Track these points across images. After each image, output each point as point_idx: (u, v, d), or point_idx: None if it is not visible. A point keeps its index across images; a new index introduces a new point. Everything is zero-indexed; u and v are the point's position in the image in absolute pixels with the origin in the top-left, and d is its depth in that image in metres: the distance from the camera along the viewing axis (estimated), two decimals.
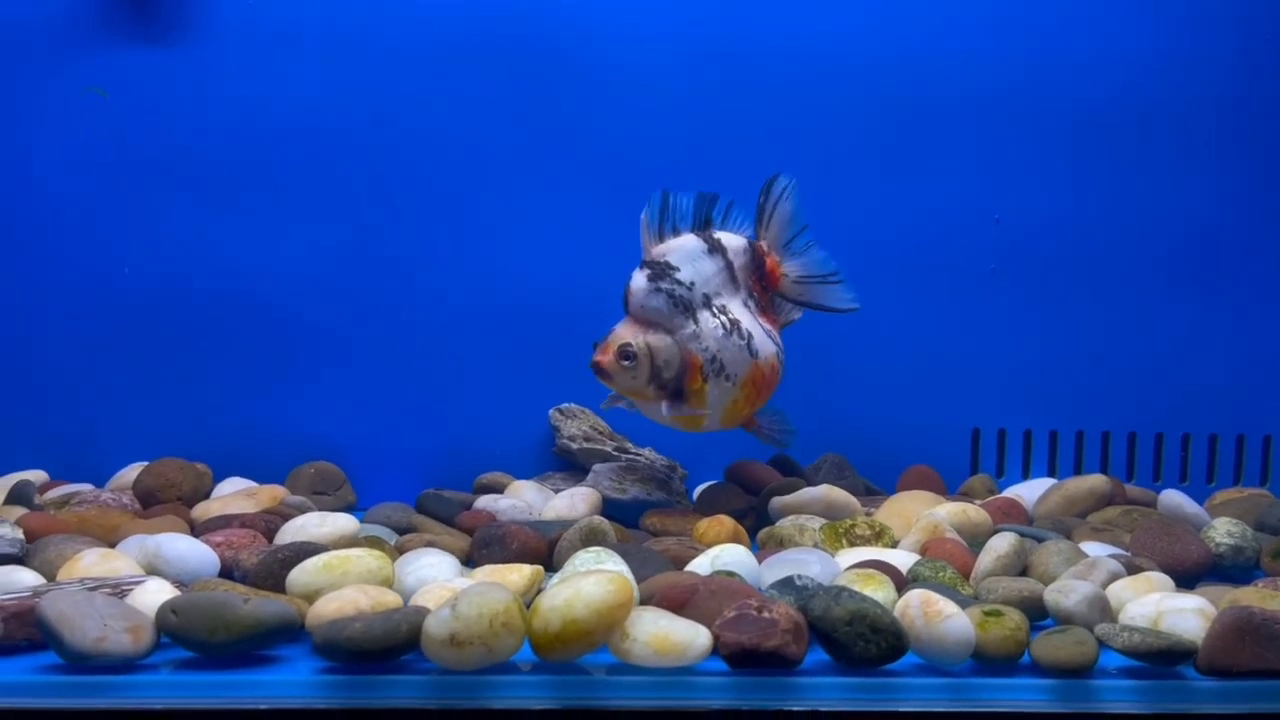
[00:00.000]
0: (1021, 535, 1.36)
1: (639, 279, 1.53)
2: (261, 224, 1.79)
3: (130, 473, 1.69)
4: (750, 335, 1.56)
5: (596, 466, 1.69)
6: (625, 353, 1.52)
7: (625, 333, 1.54)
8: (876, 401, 1.81)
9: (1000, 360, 1.82)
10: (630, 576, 1.19)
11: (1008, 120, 1.81)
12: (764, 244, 1.61)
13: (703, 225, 1.56)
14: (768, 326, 1.60)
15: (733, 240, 1.58)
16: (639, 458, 1.74)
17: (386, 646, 1.08)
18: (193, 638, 1.10)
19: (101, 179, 1.77)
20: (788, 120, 1.80)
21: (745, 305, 1.58)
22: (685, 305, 1.53)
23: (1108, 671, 1.12)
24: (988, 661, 1.12)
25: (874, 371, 1.82)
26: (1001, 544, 1.31)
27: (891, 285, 1.81)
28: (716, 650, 1.10)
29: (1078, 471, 1.80)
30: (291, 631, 1.14)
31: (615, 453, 1.74)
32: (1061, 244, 1.81)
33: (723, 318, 1.55)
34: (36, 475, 1.70)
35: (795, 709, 1.08)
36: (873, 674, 1.11)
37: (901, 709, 1.08)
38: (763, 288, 1.61)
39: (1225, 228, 1.83)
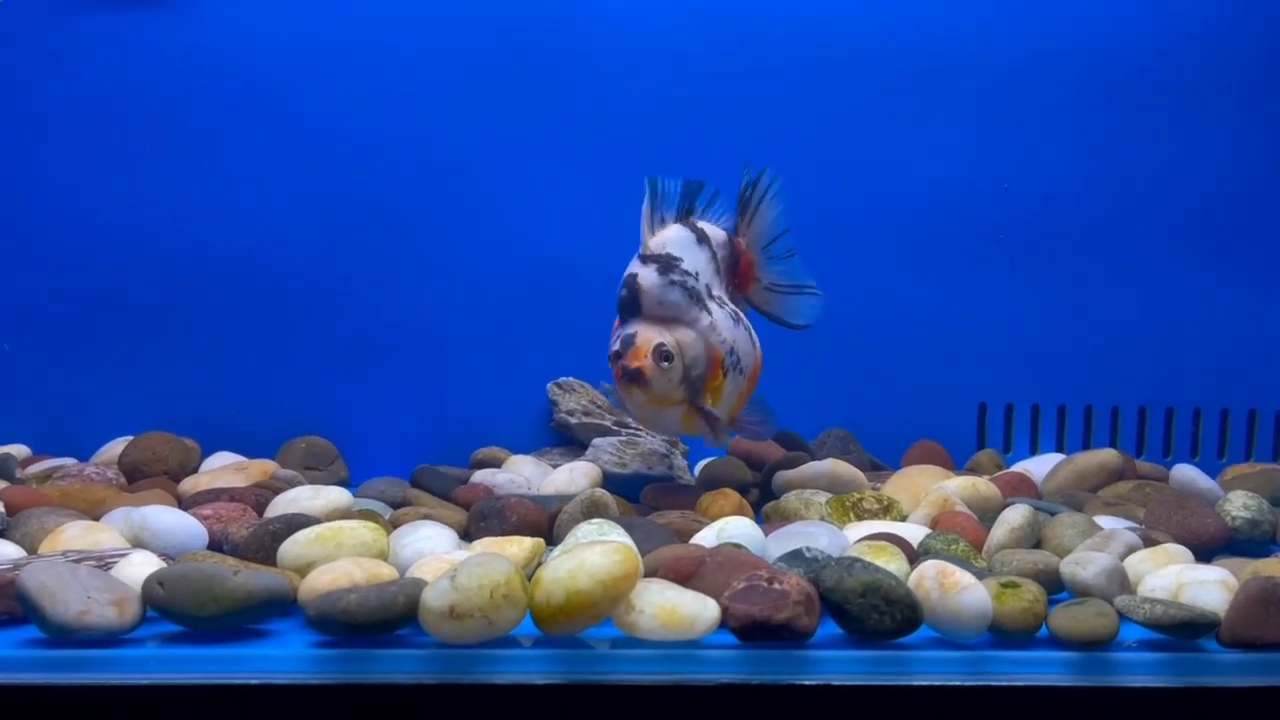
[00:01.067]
0: (1035, 508, 1.33)
1: (649, 274, 1.39)
2: (250, 192, 1.74)
3: (115, 447, 1.64)
4: (750, 325, 1.49)
5: (596, 441, 1.65)
6: (664, 353, 1.37)
7: (651, 332, 1.38)
8: (881, 375, 1.78)
9: (1007, 333, 1.78)
10: (635, 548, 1.15)
11: (1017, 85, 1.76)
12: (743, 241, 1.51)
13: (685, 214, 1.45)
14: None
15: (715, 232, 1.48)
16: (639, 433, 1.70)
17: (382, 619, 1.04)
18: (180, 611, 1.05)
19: (83, 146, 1.71)
20: (792, 89, 1.75)
21: (730, 297, 1.49)
22: (696, 296, 1.42)
23: (1127, 644, 1.09)
24: (1004, 634, 1.08)
25: (878, 344, 1.77)
26: (1015, 516, 1.28)
27: (897, 256, 1.77)
28: (725, 623, 1.07)
29: (1086, 447, 1.77)
30: (283, 605, 1.10)
31: (615, 427, 1.70)
32: (1071, 214, 1.77)
33: (728, 307, 1.46)
34: (18, 449, 1.65)
35: (807, 683, 1.04)
36: (886, 647, 1.07)
37: (917, 683, 1.04)
38: (736, 285, 1.52)
39: (1238, 198, 1.79)
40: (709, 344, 1.42)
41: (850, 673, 1.04)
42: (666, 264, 1.40)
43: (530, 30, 1.75)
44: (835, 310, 1.73)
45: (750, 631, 1.06)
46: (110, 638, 1.05)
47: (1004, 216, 1.77)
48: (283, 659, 1.03)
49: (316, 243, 1.74)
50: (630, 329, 1.39)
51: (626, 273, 1.41)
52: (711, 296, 1.44)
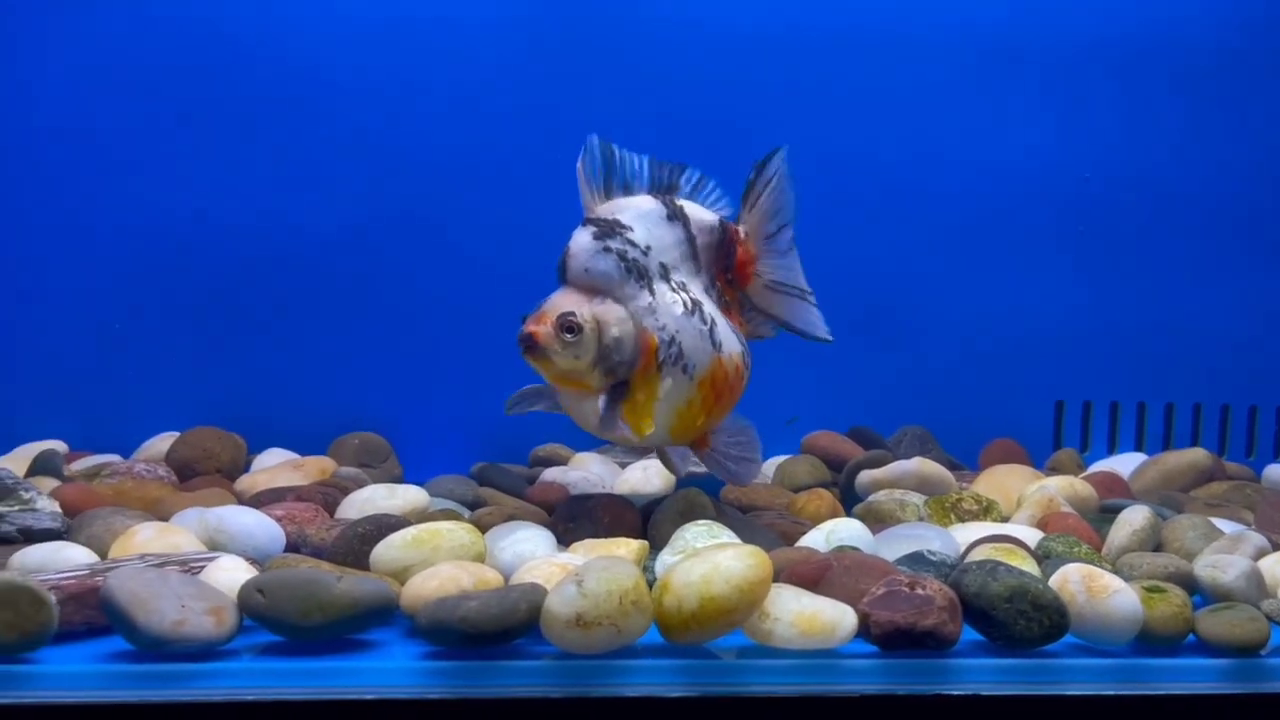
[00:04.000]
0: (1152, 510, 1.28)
1: (581, 237, 1.23)
2: (299, 177, 1.66)
3: (159, 443, 1.55)
4: (713, 321, 1.27)
5: None
6: (567, 324, 1.19)
7: (566, 300, 1.21)
8: (952, 371, 1.73)
9: (1084, 328, 1.73)
10: (765, 552, 1.08)
11: (1098, 70, 1.71)
12: (742, 229, 1.33)
13: (664, 190, 1.29)
14: (732, 324, 1.31)
15: (699, 213, 1.30)
16: None
17: (504, 628, 0.97)
18: (283, 620, 0.98)
19: (135, 129, 1.63)
20: (860, 73, 1.70)
21: (706, 292, 1.29)
22: (640, 272, 1.23)
23: (1275, 649, 1.05)
24: (1152, 641, 1.04)
25: (950, 339, 1.72)
26: (1136, 518, 1.24)
27: (971, 248, 1.72)
28: (862, 631, 1.01)
29: (1166, 446, 1.73)
30: (387, 613, 1.02)
31: None
32: (1153, 205, 1.73)
33: (683, 294, 1.26)
34: (58, 445, 1.55)
35: (954, 694, 0.99)
36: (1031, 655, 1.02)
37: (1068, 693, 0.99)
38: (728, 281, 1.33)
39: None
40: (641, 327, 1.22)
41: (999, 682, 0.99)
42: (607, 229, 1.23)
43: (572, 15, 1.69)
44: (903, 303, 1.70)
45: (893, 639, 1.00)
46: (206, 649, 0.96)
47: (1083, 207, 1.72)
48: (399, 671, 0.96)
49: (365, 234, 1.67)
50: (548, 297, 1.23)
51: None
52: (667, 279, 1.25)
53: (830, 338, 1.36)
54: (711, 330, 1.27)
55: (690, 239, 1.28)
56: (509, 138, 1.68)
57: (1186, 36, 1.72)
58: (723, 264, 1.32)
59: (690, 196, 1.31)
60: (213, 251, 1.66)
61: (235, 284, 1.67)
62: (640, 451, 1.57)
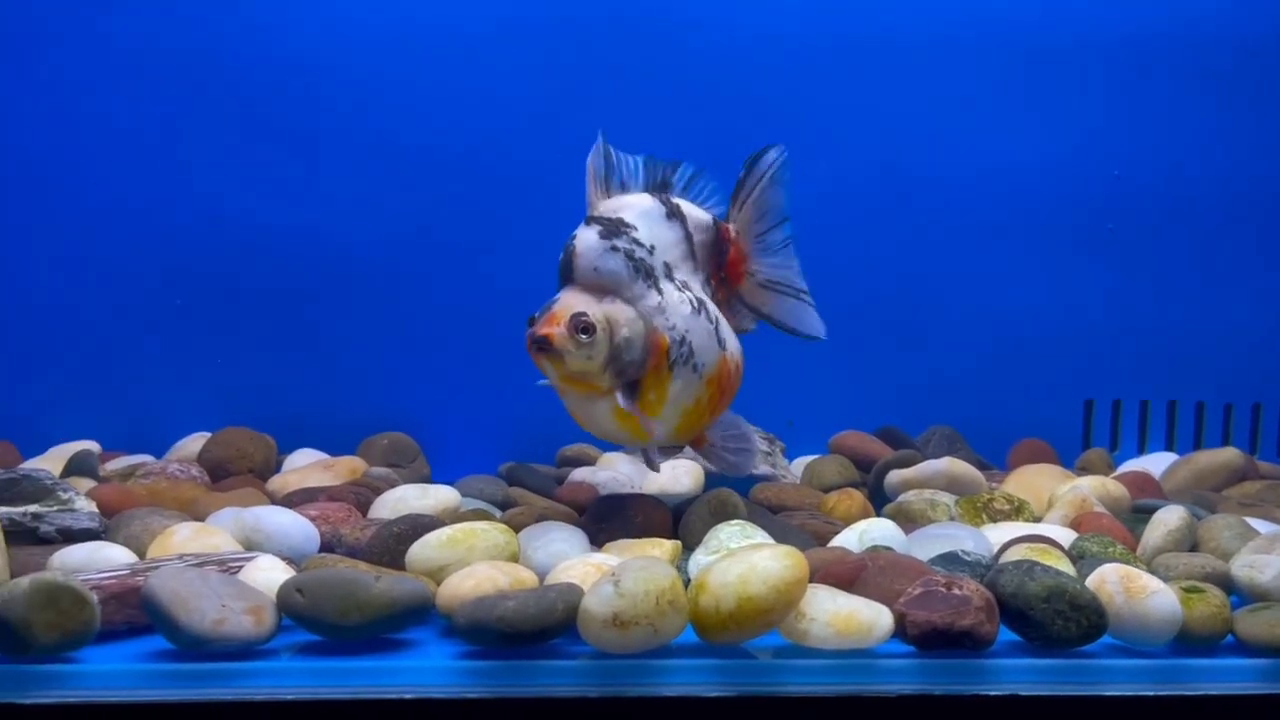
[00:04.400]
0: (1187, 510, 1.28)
1: (588, 235, 1.21)
2: (329, 181, 1.67)
3: (191, 443, 1.56)
4: (718, 320, 1.28)
5: None
6: (582, 324, 1.16)
7: (576, 300, 1.19)
8: (979, 370, 1.72)
9: (1115, 327, 1.73)
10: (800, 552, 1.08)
11: (1130, 65, 1.71)
12: (733, 227, 1.32)
13: (659, 187, 1.28)
14: (726, 321, 1.32)
15: (694, 211, 1.29)
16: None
17: (541, 627, 0.98)
18: (322, 620, 0.98)
19: (163, 132, 1.64)
20: (889, 72, 1.70)
21: (704, 290, 1.29)
22: (647, 271, 1.22)
23: None
24: (1190, 642, 1.03)
25: (978, 338, 1.72)
26: (1171, 518, 1.23)
27: (999, 246, 1.72)
28: (898, 631, 1.01)
29: (1197, 445, 1.73)
30: (424, 613, 1.03)
31: None
32: (1185, 203, 1.72)
33: (688, 294, 1.25)
34: (92, 445, 1.56)
35: (992, 694, 0.98)
36: (1069, 655, 1.02)
37: (1106, 693, 0.99)
38: (721, 280, 1.33)
39: None
40: (651, 327, 1.20)
41: (1037, 682, 0.99)
42: (612, 228, 1.21)
43: (624, 29, 1.69)
44: (934, 304, 1.69)
45: (929, 639, 1.00)
46: (245, 649, 0.97)
47: (1112, 205, 1.72)
48: (437, 671, 0.97)
49: (394, 235, 1.68)
50: (556, 295, 1.21)
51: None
52: (671, 278, 1.24)
53: (823, 335, 1.34)
54: (717, 328, 1.27)
55: (688, 237, 1.28)
56: (534, 140, 1.68)
57: (1211, 36, 1.72)
58: (716, 262, 1.32)
59: (684, 193, 1.30)
60: (242, 253, 1.67)
61: (263, 286, 1.68)
62: (668, 451, 1.57)
